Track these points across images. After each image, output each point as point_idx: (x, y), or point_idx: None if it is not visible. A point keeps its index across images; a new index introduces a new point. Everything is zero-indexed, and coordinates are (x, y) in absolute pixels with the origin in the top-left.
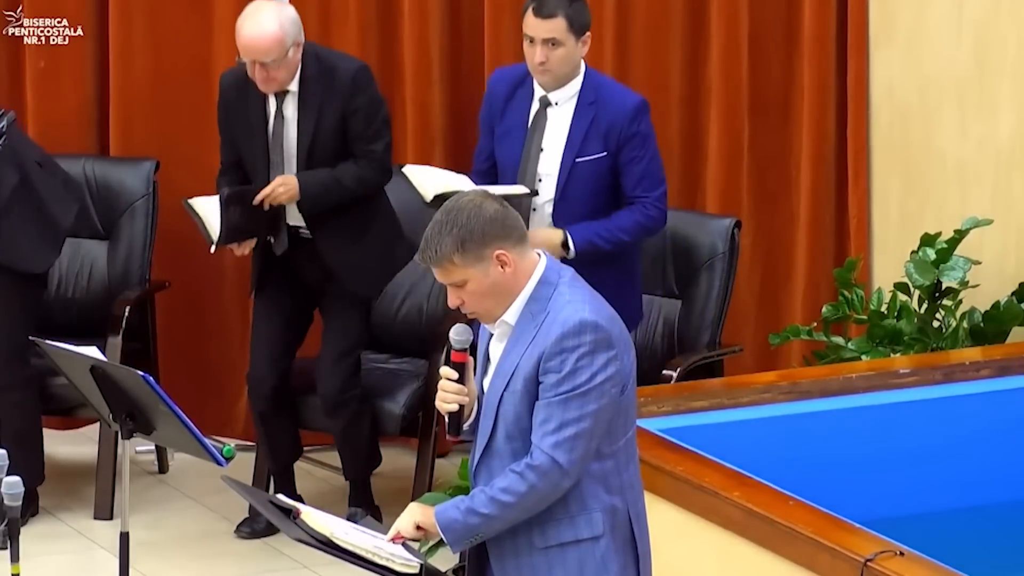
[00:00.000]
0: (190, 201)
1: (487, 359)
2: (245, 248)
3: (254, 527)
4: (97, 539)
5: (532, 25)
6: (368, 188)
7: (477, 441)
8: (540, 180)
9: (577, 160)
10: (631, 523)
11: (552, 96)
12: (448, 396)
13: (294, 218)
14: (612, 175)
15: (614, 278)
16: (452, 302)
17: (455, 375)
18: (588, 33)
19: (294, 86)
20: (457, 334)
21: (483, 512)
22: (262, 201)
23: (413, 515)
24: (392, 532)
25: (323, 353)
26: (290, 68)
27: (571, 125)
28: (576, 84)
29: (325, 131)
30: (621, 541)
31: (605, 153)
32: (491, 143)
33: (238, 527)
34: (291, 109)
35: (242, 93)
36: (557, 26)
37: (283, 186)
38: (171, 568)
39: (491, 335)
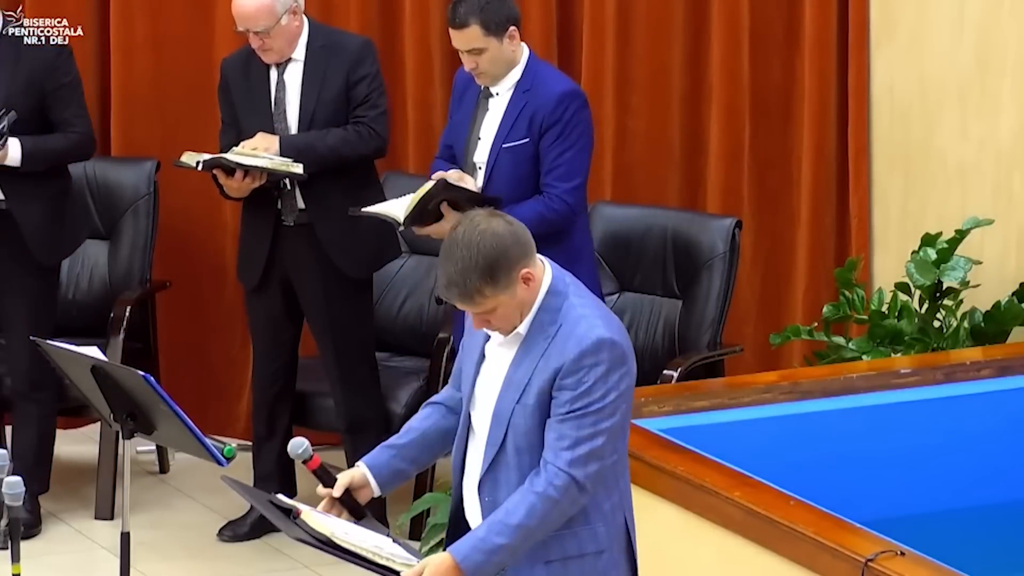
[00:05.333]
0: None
1: (483, 357)
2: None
3: (236, 531)
4: (98, 539)
5: (452, 36)
6: (353, 150)
7: (485, 450)
8: (479, 168)
9: (503, 146)
10: (628, 532)
11: (493, 88)
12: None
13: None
14: (535, 162)
15: (563, 258)
16: (477, 326)
17: (327, 490)
18: (513, 27)
19: (299, 54)
20: (296, 448)
21: (507, 544)
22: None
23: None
24: None
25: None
26: (287, 36)
27: (504, 113)
28: (516, 74)
29: (327, 99)
30: (620, 552)
31: (527, 139)
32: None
33: (220, 530)
34: (294, 78)
35: (244, 69)
36: (472, 35)
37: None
38: (171, 568)
39: (487, 335)
